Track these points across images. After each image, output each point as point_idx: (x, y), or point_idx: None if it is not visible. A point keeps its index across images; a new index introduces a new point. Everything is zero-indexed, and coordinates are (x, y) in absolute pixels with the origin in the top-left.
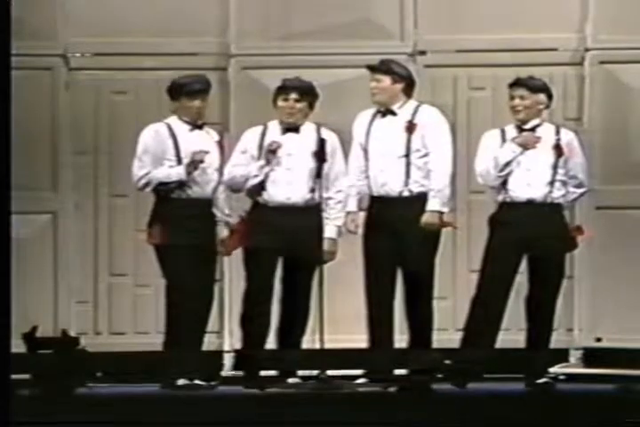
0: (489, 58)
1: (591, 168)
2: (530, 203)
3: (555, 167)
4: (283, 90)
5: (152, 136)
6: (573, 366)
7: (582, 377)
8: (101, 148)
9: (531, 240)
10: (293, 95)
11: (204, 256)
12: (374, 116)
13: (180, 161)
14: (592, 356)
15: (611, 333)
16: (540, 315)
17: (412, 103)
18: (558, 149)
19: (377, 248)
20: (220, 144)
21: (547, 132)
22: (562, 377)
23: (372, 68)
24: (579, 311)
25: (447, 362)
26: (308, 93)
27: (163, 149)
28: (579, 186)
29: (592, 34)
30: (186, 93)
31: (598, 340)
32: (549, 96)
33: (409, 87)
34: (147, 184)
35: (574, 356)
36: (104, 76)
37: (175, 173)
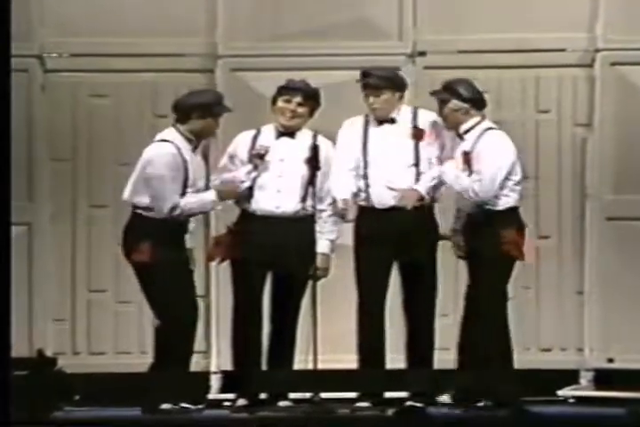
0: (492, 59)
1: (593, 175)
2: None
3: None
4: (286, 90)
5: (170, 161)
6: (584, 389)
7: (593, 400)
8: (80, 154)
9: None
10: (297, 98)
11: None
12: (367, 125)
13: (185, 186)
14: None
15: (624, 353)
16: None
17: (407, 108)
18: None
19: (377, 262)
20: (205, 155)
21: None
22: (572, 400)
23: (369, 86)
24: (589, 330)
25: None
26: (312, 99)
27: (179, 174)
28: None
29: (603, 34)
30: (216, 114)
31: (610, 361)
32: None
33: (403, 93)
34: (179, 214)
35: (585, 377)
36: (82, 79)
37: (210, 201)
